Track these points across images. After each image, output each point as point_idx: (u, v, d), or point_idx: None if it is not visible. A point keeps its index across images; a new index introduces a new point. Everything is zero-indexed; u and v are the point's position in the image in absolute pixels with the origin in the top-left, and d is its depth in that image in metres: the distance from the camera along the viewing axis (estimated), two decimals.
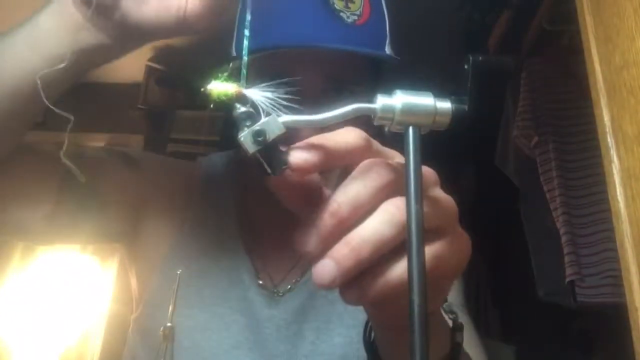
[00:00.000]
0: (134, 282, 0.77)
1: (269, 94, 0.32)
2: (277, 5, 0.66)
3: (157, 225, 0.73)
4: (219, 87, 0.31)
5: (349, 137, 0.32)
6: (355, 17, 0.65)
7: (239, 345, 0.67)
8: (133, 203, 0.71)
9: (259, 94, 0.32)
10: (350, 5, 0.65)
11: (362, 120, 0.33)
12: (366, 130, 0.34)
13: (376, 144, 0.34)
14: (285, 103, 0.32)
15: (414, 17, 1.66)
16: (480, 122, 0.32)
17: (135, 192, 0.71)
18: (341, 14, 0.64)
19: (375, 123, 0.32)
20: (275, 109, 0.31)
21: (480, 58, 0.32)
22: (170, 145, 2.35)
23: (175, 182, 0.76)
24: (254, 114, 0.31)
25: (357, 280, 0.31)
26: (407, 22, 1.65)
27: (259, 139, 0.30)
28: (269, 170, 0.30)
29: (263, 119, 0.30)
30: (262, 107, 0.31)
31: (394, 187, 0.32)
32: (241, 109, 0.31)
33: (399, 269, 0.32)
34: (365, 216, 0.31)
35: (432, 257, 0.32)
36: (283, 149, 0.31)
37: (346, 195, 0.31)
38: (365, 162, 0.32)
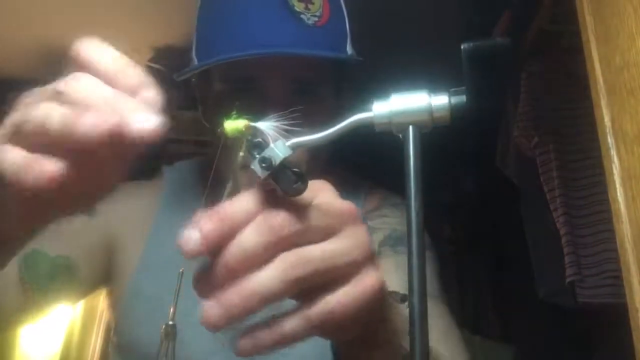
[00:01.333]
0: (108, 305, 0.76)
1: (276, 123, 0.33)
2: (236, 9, 0.66)
3: (125, 250, 0.73)
4: (231, 124, 0.33)
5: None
6: (316, 19, 0.65)
7: (216, 351, 0.66)
8: (101, 251, 0.71)
9: (265, 125, 0.33)
10: (310, 6, 0.65)
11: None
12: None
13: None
14: (290, 128, 0.33)
15: (413, 18, 1.66)
16: (482, 111, 0.32)
17: (101, 237, 0.71)
18: (301, 15, 0.64)
19: (377, 130, 0.33)
20: (278, 134, 0.33)
21: (471, 44, 0.32)
22: (170, 146, 2.35)
23: (135, 205, 0.76)
24: (261, 143, 0.32)
25: (251, 332, 0.33)
26: (406, 24, 1.65)
27: (264, 165, 0.32)
28: (283, 191, 0.32)
29: (270, 146, 0.32)
30: (270, 135, 0.33)
31: (290, 242, 0.32)
32: (252, 140, 0.33)
33: (291, 322, 0.33)
34: (260, 266, 0.32)
35: (327, 312, 0.33)
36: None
37: (238, 247, 0.32)
38: (265, 215, 0.32)
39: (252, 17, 0.64)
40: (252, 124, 0.33)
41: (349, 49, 0.69)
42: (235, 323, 0.31)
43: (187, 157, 0.85)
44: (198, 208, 0.82)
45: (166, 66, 2.31)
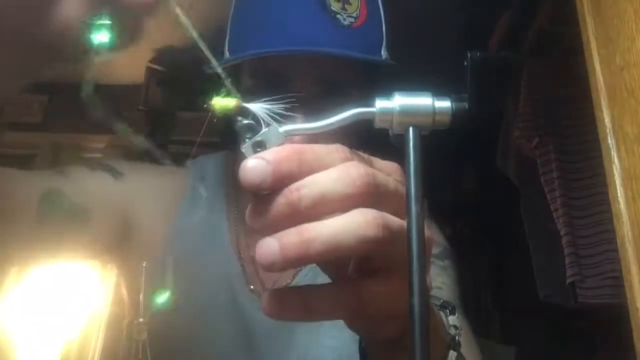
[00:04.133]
0: (126, 292, 0.76)
1: (269, 105, 0.32)
2: (272, 5, 0.66)
3: (145, 235, 0.72)
4: (221, 101, 0.32)
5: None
6: (352, 20, 0.64)
7: (231, 352, 0.66)
8: (120, 217, 0.69)
9: (259, 106, 0.32)
10: (347, 7, 0.64)
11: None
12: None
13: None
14: (283, 112, 0.31)
15: (414, 18, 1.66)
16: (482, 119, 0.32)
17: (122, 205, 0.70)
18: (338, 16, 0.63)
19: (376, 126, 0.32)
20: (274, 118, 0.31)
21: (479, 54, 0.32)
22: (171, 147, 2.35)
23: (162, 190, 0.75)
24: (254, 126, 0.31)
25: (279, 293, 0.31)
26: (407, 24, 1.65)
27: (258, 149, 0.30)
28: None
29: (263, 130, 0.31)
30: (262, 118, 0.31)
31: (372, 200, 0.29)
32: (243, 121, 0.31)
33: (320, 295, 0.30)
34: (328, 215, 0.29)
35: (370, 297, 0.31)
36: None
37: (311, 189, 0.28)
38: (350, 164, 0.30)
39: (287, 14, 0.64)
40: (243, 104, 0.32)
41: (384, 53, 0.68)
42: (289, 267, 0.28)
43: (188, 159, 0.84)
44: (222, 202, 0.80)
45: (166, 67, 2.31)
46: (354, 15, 0.65)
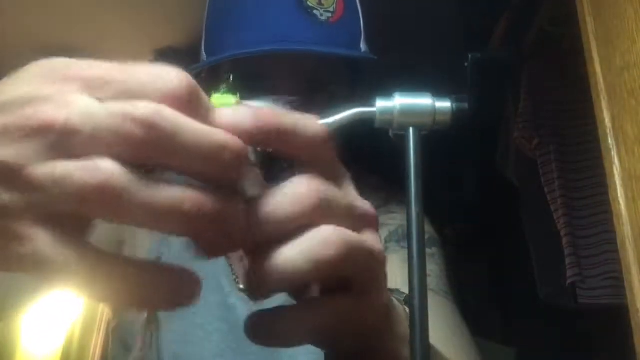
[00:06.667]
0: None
1: (270, 104, 0.31)
2: (247, 4, 0.65)
3: (134, 241, 0.72)
4: (220, 99, 0.31)
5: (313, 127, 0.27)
6: (329, 15, 0.63)
7: (222, 353, 0.66)
8: (113, 245, 0.69)
9: (258, 104, 0.31)
10: (323, 1, 0.64)
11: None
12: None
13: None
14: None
15: (413, 20, 1.66)
16: (482, 119, 0.32)
17: (113, 231, 0.69)
18: (314, 11, 0.62)
19: (376, 126, 0.32)
20: None
21: (479, 55, 0.32)
22: None
23: None
24: None
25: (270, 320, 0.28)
26: (407, 26, 1.66)
27: (257, 148, 0.30)
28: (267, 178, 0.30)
29: None
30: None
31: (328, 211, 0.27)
32: None
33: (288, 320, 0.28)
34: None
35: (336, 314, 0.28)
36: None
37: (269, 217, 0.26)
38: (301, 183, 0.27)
39: (262, 12, 0.63)
40: (244, 101, 0.31)
41: (363, 46, 0.68)
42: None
43: None
44: None
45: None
46: (331, 9, 0.64)
